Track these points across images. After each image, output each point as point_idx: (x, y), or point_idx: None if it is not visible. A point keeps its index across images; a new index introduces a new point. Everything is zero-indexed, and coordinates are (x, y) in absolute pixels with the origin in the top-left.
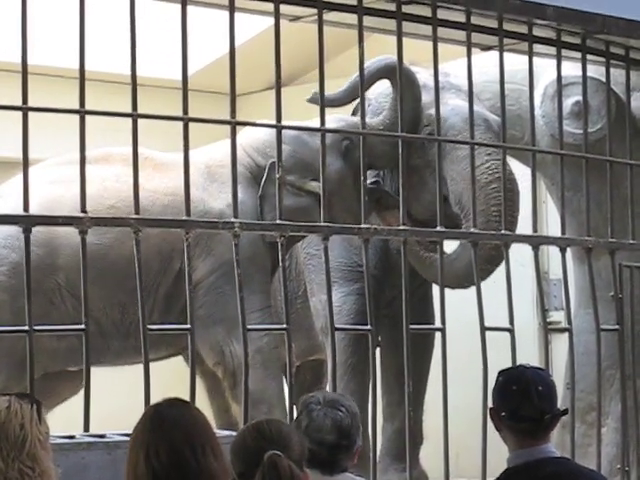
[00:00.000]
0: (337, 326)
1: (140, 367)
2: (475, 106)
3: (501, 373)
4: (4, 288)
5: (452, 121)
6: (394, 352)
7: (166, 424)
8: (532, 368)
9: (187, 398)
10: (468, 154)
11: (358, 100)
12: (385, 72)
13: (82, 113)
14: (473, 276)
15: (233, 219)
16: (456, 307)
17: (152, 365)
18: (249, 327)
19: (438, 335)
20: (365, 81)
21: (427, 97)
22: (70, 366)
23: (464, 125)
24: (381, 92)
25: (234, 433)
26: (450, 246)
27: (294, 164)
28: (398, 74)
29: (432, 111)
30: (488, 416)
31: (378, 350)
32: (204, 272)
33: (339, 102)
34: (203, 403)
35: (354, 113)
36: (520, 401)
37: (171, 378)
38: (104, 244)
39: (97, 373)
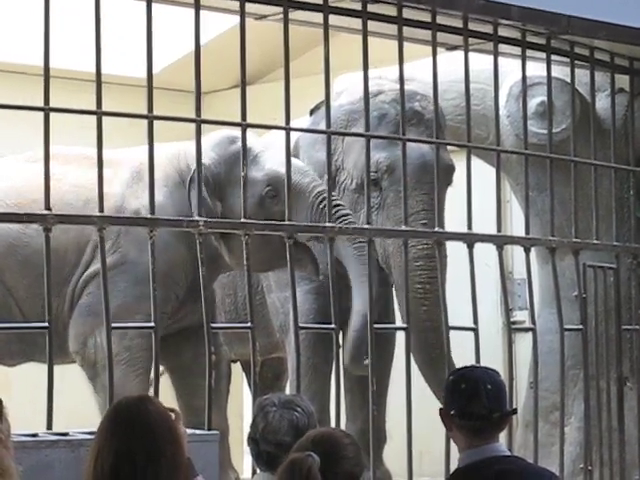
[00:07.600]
0: (301, 325)
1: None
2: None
3: (451, 373)
4: None
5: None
6: None
7: (129, 421)
8: (481, 367)
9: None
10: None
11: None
12: None
13: (47, 110)
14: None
15: (198, 217)
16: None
17: None
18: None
19: (399, 334)
20: None
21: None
22: (5, 359)
23: (418, 171)
24: (341, 104)
25: (197, 432)
26: None
27: (217, 173)
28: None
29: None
30: None
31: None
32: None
33: None
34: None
35: (312, 113)
36: (469, 399)
37: None
38: (27, 233)
39: (59, 371)
